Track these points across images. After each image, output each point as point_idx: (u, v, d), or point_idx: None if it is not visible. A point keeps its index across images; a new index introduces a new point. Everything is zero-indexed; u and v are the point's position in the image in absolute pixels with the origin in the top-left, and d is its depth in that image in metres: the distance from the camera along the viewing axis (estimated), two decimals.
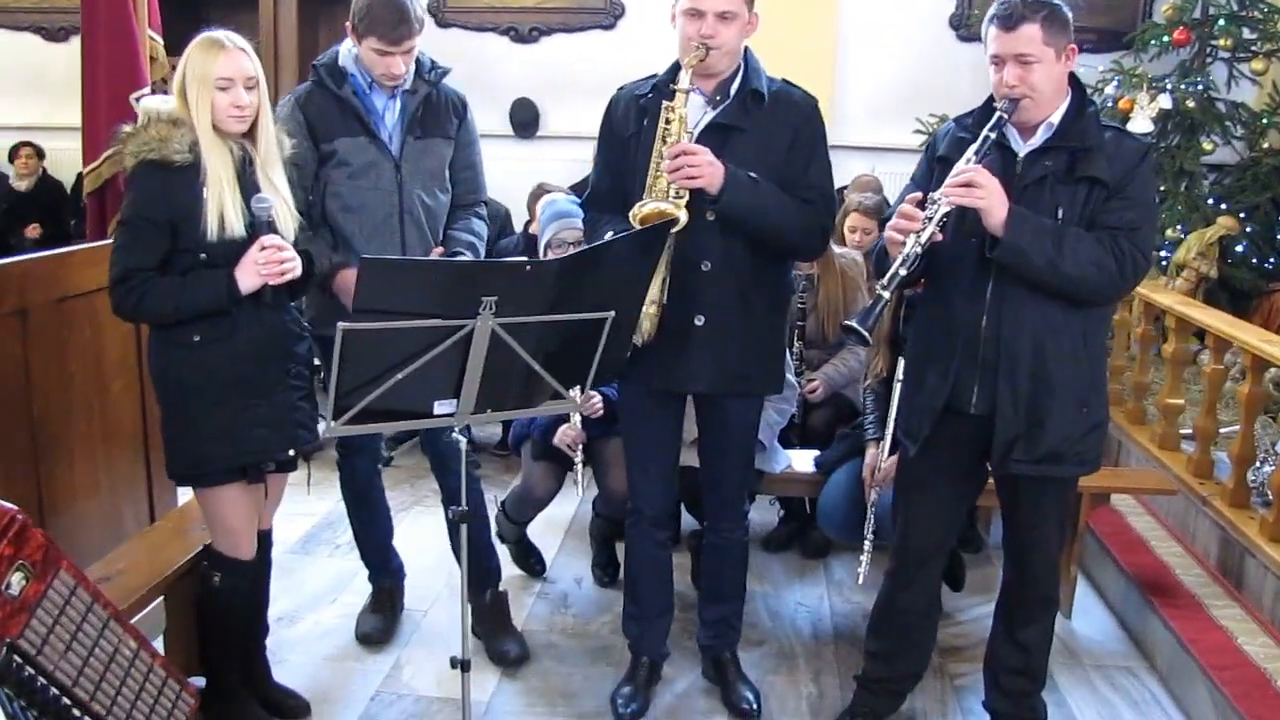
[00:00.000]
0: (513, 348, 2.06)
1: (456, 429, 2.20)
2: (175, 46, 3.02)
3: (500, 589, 3.62)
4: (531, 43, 7.11)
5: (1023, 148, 2.69)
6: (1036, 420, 2.68)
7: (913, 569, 3.01)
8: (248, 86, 2.72)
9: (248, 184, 2.75)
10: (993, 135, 2.62)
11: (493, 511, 3.87)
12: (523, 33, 7.10)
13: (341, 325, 1.97)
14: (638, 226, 2.77)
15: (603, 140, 3.11)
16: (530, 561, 4.16)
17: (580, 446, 3.82)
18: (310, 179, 3.20)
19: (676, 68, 2.88)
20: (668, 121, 2.84)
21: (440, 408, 2.13)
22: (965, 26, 6.68)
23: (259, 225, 2.69)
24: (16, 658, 1.60)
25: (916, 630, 3.11)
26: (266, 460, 2.87)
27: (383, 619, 3.68)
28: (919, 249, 2.58)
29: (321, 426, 2.10)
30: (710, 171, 2.78)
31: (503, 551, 4.11)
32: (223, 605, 3.03)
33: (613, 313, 2.09)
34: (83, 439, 3.24)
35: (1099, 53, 6.45)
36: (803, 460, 3.98)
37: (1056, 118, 2.66)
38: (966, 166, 2.60)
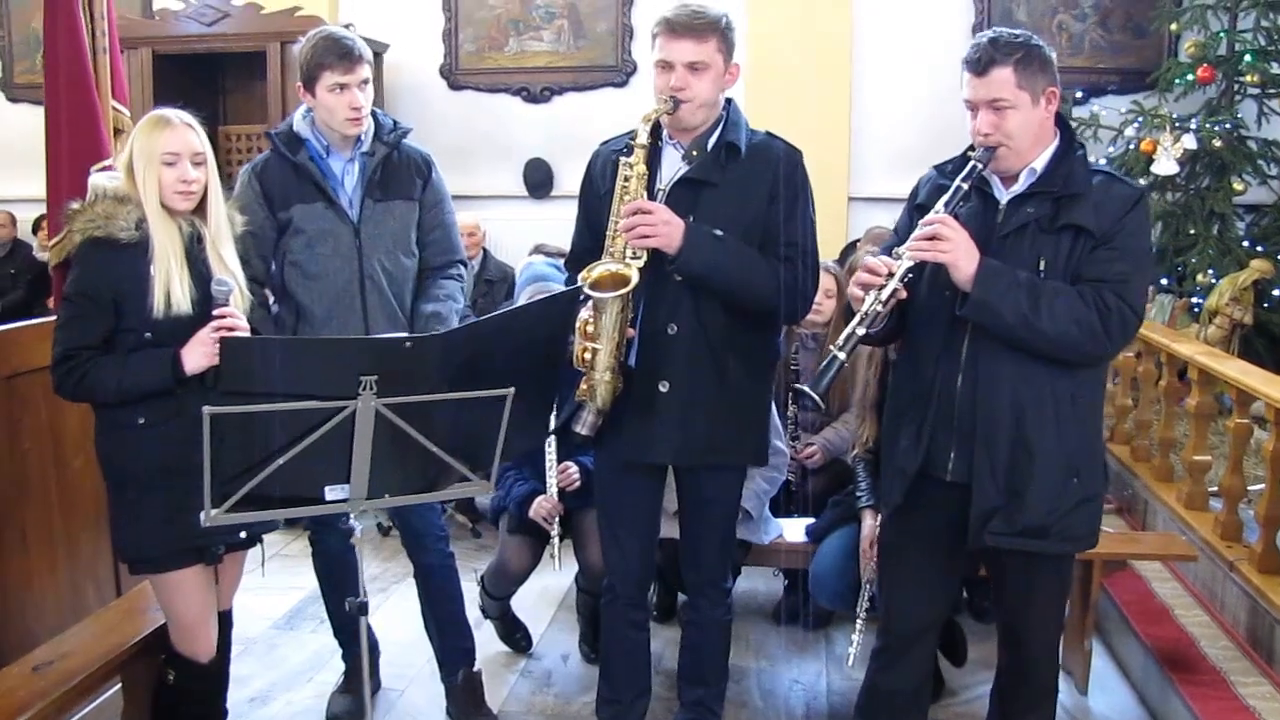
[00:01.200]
0: (403, 429, 1.93)
1: (352, 516, 2.07)
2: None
3: (475, 669, 3.46)
4: (544, 102, 7.07)
5: (1004, 195, 2.52)
6: (1015, 490, 2.47)
7: (898, 648, 2.80)
8: (195, 162, 2.67)
9: (197, 261, 2.69)
10: (965, 185, 2.46)
11: (471, 587, 3.74)
12: (535, 93, 7.06)
13: (206, 409, 1.85)
14: (588, 291, 2.67)
15: (582, 198, 3.02)
16: (516, 637, 4.01)
17: (557, 519, 3.68)
18: (270, 249, 3.14)
19: (655, 124, 2.79)
20: (626, 179, 2.74)
21: (331, 493, 2.01)
22: None
23: (217, 303, 2.62)
24: None
25: (905, 714, 2.88)
26: (217, 543, 2.76)
27: (353, 700, 3.52)
28: (879, 307, 2.42)
29: (203, 515, 1.97)
30: (666, 230, 2.66)
31: (490, 627, 4.00)
32: (175, 703, 2.93)
33: (512, 389, 1.95)
34: (38, 518, 3.17)
35: (1124, 94, 6.26)
36: (795, 530, 3.80)
37: (1040, 163, 2.50)
38: (932, 217, 2.44)
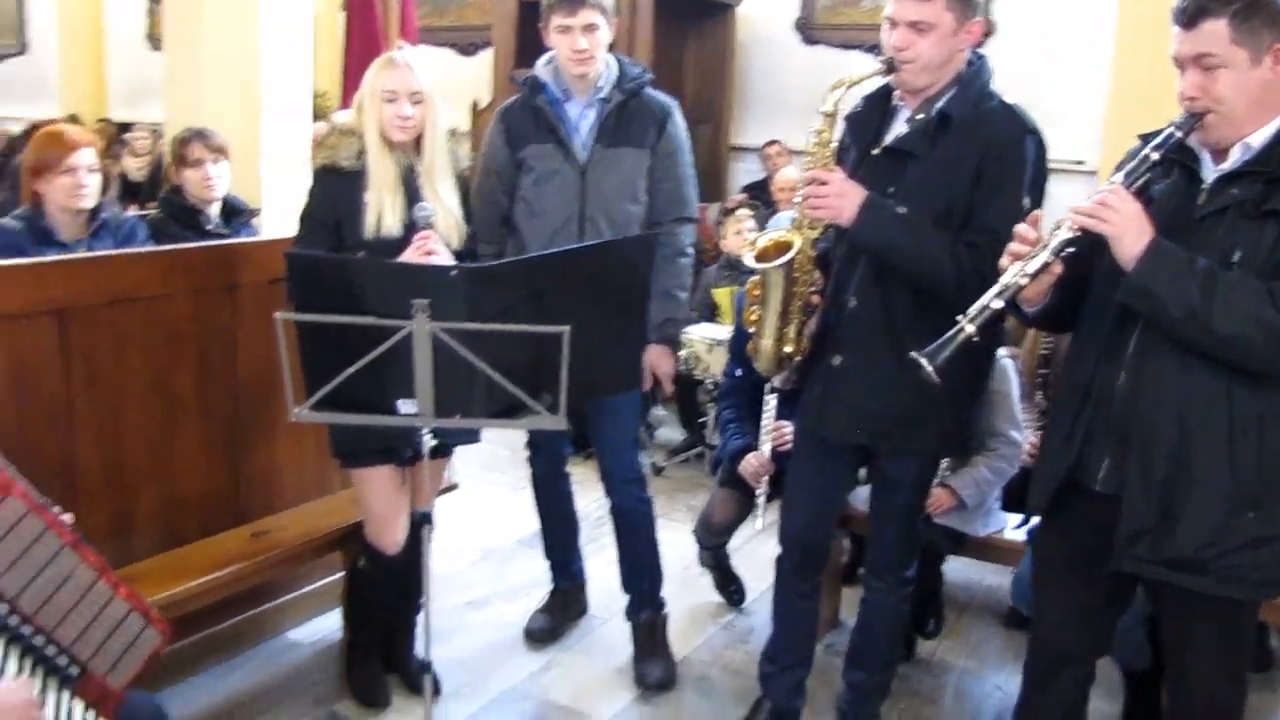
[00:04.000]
0: (462, 353, 2.02)
1: (425, 431, 2.19)
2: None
3: (662, 612, 3.54)
4: None
5: (1211, 172, 2.19)
6: (1168, 513, 2.15)
7: (1044, 670, 2.55)
8: (413, 101, 2.92)
9: (411, 190, 2.93)
10: (1154, 155, 2.15)
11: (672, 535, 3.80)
12: None
13: (277, 315, 2.04)
14: (748, 261, 2.69)
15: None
16: (730, 590, 4.03)
17: (766, 478, 3.65)
18: (511, 185, 3.32)
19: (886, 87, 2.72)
20: (814, 145, 2.67)
21: (403, 407, 2.15)
22: None
23: (418, 227, 2.84)
24: None
25: None
26: (407, 447, 3.01)
27: (550, 619, 3.73)
28: (1023, 280, 2.17)
29: (293, 411, 2.18)
30: (838, 203, 2.57)
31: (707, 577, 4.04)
32: (363, 585, 3.27)
33: (568, 328, 1.98)
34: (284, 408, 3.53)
35: None
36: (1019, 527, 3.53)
37: (1260, 138, 2.13)
38: (1104, 187, 2.17)
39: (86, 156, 3.27)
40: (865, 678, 3.07)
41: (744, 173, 7.50)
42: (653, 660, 3.47)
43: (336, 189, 2.93)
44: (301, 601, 3.69)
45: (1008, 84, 2.74)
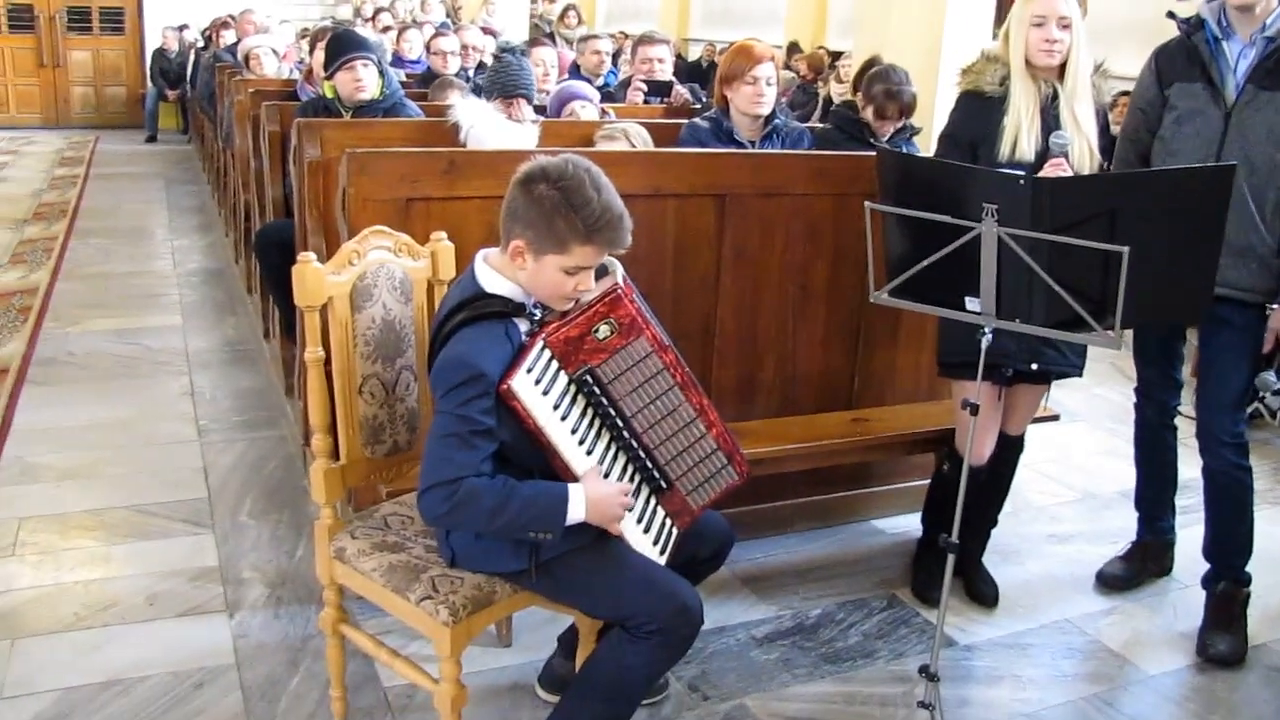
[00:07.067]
0: (1023, 259, 2.13)
1: (987, 330, 2.31)
2: None
3: (1244, 589, 3.33)
4: None
5: None
6: None
7: None
8: (1061, 25, 3.01)
9: (1049, 119, 3.05)
10: None
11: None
12: None
13: (867, 204, 2.28)
14: None
15: None
16: None
17: None
18: (1154, 123, 3.27)
19: None
20: None
21: (970, 304, 2.30)
22: None
23: (1052, 154, 2.95)
24: (590, 379, 2.30)
25: None
26: (1005, 365, 3.15)
27: (1127, 568, 3.67)
28: None
29: (873, 294, 2.44)
30: None
31: None
32: (940, 489, 3.51)
33: (1127, 248, 1.99)
34: (914, 321, 3.77)
35: None
36: None
37: None
38: None
39: (767, 69, 3.76)
40: None
41: None
42: (1221, 633, 3.29)
43: (977, 112, 3.10)
44: (893, 496, 4.01)
45: None
